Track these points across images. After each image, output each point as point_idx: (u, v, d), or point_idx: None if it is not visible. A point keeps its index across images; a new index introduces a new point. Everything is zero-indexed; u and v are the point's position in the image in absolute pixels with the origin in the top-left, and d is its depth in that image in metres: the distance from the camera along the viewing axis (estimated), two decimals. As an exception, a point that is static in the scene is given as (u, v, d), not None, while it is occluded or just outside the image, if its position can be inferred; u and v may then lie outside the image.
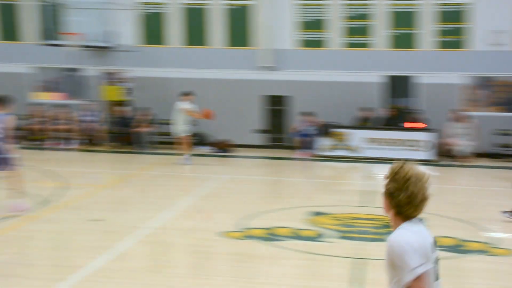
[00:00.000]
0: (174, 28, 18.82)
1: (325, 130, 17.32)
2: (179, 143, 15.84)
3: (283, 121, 18.70)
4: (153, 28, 18.90)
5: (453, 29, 17.70)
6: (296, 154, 17.35)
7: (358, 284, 7.29)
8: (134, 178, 14.44)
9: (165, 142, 17.71)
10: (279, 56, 18.46)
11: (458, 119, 16.94)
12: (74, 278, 7.23)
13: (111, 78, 19.13)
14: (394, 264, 3.07)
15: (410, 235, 3.08)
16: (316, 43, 18.42)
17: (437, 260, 3.22)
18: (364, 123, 17.70)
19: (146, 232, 9.40)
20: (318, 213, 10.56)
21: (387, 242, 3.11)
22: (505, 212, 10.22)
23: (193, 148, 16.17)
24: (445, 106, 17.25)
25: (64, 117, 18.72)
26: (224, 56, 18.69)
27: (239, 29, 18.62)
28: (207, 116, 15.97)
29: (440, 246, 8.51)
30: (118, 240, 8.82)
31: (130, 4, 18.54)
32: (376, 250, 8.31)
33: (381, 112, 17.93)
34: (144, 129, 18.20)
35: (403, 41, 17.95)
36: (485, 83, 18.00)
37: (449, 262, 8.08)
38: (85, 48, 18.01)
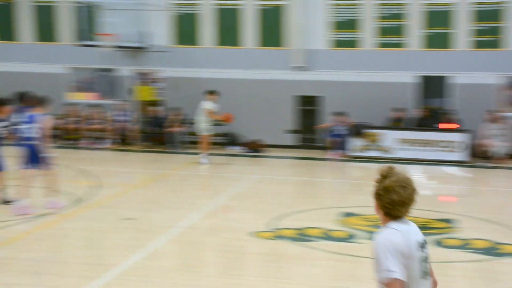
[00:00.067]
0: (207, 29, 18.92)
1: (356, 130, 17.21)
2: (201, 142, 15.95)
3: (314, 122, 18.64)
4: (186, 29, 19.03)
5: (488, 28, 17.41)
6: (328, 154, 17.28)
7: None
8: (166, 177, 14.56)
9: (196, 142, 17.81)
10: (311, 56, 18.41)
11: (493, 120, 16.66)
12: (107, 276, 7.32)
13: (144, 78, 19.32)
14: (377, 260, 3.28)
15: (396, 234, 3.30)
16: (349, 43, 18.31)
17: (425, 259, 3.39)
18: (397, 124, 17.52)
19: (177, 231, 9.48)
20: (349, 214, 10.51)
21: (372, 240, 3.33)
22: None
23: (211, 148, 16.17)
24: (480, 107, 16.98)
25: (98, 116, 18.99)
26: (256, 56, 18.71)
27: (272, 29, 18.62)
28: (227, 119, 16.06)
29: (473, 249, 8.48)
30: (150, 239, 8.90)
31: (163, 5, 18.71)
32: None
33: (414, 112, 17.74)
34: (176, 129, 18.33)
35: (438, 41, 17.72)
36: (522, 83, 17.69)
37: (482, 264, 7.96)
38: (118, 49, 18.22)
